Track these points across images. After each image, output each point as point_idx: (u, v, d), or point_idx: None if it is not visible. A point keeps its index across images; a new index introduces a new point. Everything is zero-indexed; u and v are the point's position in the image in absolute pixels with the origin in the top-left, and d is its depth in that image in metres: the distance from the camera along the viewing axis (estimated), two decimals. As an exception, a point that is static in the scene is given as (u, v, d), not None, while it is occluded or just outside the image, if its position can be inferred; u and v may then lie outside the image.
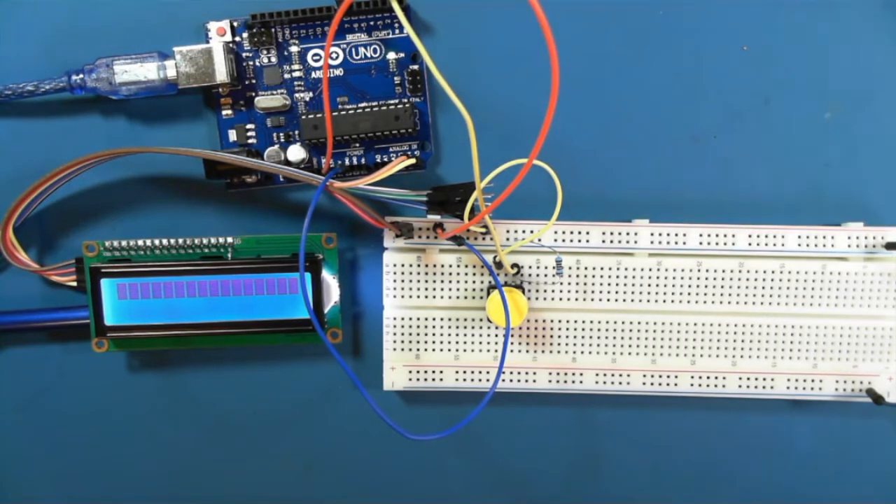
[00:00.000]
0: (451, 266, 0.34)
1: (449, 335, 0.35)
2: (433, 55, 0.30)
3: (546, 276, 0.34)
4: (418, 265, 0.34)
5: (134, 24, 0.34)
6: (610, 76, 0.35)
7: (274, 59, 0.34)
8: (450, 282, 0.34)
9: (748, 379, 0.35)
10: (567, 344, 0.35)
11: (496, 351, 0.35)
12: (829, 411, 0.36)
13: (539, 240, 0.34)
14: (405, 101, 0.34)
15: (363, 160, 0.35)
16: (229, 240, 0.34)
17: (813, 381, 0.35)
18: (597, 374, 0.35)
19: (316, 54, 0.34)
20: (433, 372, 0.35)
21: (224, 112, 0.34)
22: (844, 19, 0.34)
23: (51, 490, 0.37)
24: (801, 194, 0.35)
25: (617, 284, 0.34)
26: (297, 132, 0.34)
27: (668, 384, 0.35)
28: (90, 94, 0.33)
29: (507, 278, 0.34)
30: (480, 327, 0.35)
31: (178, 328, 0.34)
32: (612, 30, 0.34)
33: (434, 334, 0.35)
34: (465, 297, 0.35)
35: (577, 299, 0.35)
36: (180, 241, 0.34)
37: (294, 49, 0.34)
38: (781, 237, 0.34)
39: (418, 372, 0.35)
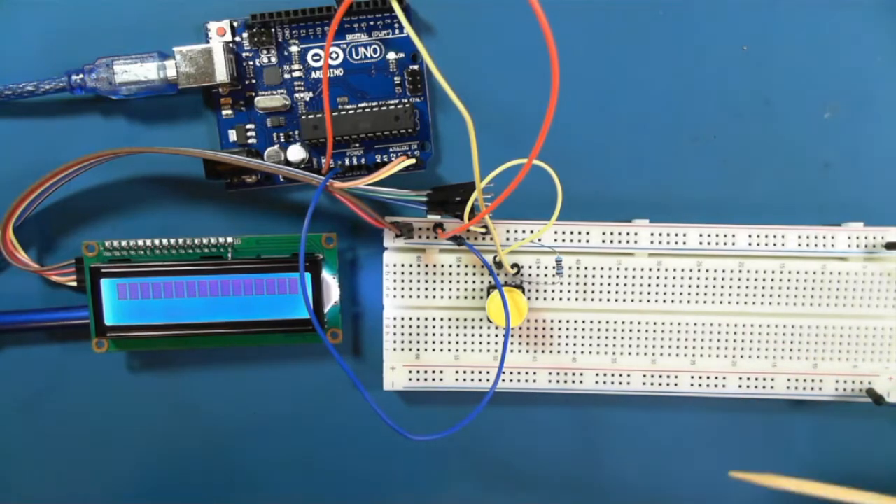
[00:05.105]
0: (451, 266, 0.34)
1: (449, 335, 0.35)
2: (433, 55, 0.30)
3: (546, 276, 0.34)
4: (418, 265, 0.34)
5: (134, 24, 0.34)
6: (610, 76, 0.35)
7: (274, 59, 0.34)
8: (450, 282, 0.34)
9: (748, 379, 0.35)
10: (567, 344, 0.35)
11: (496, 351, 0.35)
12: (829, 411, 0.36)
13: (539, 240, 0.34)
14: (405, 101, 0.34)
15: (363, 160, 0.35)
16: (229, 240, 0.34)
17: (813, 381, 0.35)
18: (597, 374, 0.35)
19: (316, 54, 0.34)
20: (433, 372, 0.35)
21: (224, 112, 0.34)
22: (844, 19, 0.34)
23: (51, 490, 0.37)
24: (801, 194, 0.35)
25: (617, 284, 0.34)
26: (297, 132, 0.34)
27: (668, 384, 0.35)
28: (90, 94, 0.33)
29: (507, 278, 0.34)
30: (480, 327, 0.35)
31: (178, 328, 0.34)
32: (612, 30, 0.34)
33: (434, 334, 0.35)
34: (465, 297, 0.35)
35: (577, 299, 0.35)
36: (180, 241, 0.34)
37: (294, 49, 0.34)
38: (781, 237, 0.34)
39: (418, 372, 0.35)
